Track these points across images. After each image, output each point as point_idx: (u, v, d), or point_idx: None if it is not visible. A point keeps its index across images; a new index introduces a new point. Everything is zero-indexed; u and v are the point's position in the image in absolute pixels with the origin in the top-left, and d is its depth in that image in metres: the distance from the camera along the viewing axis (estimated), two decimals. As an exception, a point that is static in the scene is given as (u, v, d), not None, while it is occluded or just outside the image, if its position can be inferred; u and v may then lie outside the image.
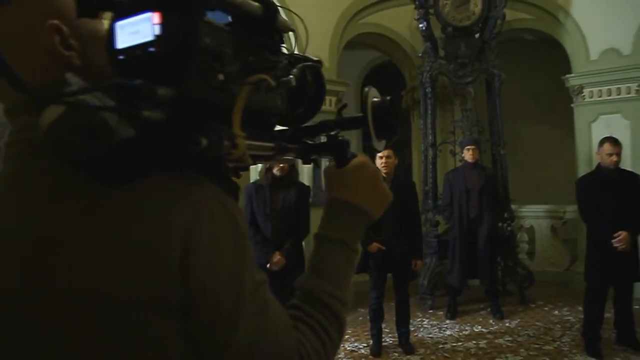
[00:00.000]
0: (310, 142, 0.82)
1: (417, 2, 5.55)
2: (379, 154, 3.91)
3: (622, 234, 3.79)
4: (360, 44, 6.59)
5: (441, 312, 5.28)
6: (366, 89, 0.83)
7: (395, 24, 6.36)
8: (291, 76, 0.71)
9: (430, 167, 5.65)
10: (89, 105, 0.54)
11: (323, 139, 0.83)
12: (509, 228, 5.61)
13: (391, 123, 0.81)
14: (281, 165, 3.53)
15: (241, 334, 0.61)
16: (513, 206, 5.90)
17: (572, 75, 5.98)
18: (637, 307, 5.04)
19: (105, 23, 0.65)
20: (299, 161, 0.86)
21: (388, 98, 0.82)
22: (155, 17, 0.56)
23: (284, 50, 0.74)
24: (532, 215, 6.69)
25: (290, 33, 0.76)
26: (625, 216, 3.86)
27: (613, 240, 3.81)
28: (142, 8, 0.56)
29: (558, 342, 4.42)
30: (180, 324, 0.60)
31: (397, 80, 7.27)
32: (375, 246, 4.03)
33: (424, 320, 5.12)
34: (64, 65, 0.65)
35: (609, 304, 4.10)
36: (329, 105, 5.55)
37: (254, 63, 0.66)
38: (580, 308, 4.37)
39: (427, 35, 5.60)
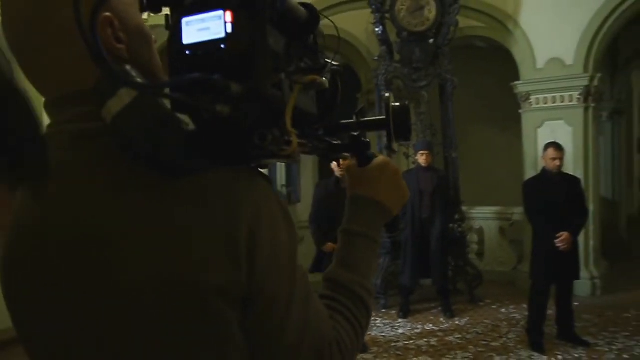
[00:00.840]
0: (334, 141, 0.86)
1: (373, 7, 5.64)
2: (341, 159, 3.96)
3: (564, 235, 3.99)
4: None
5: (394, 311, 5.39)
6: (387, 95, 0.90)
7: (352, 26, 6.43)
8: (324, 79, 0.73)
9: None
10: (174, 97, 0.56)
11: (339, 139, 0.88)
12: (459, 229, 5.78)
13: (409, 126, 0.86)
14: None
15: (294, 320, 0.65)
16: (464, 208, 6.08)
17: (521, 82, 6.21)
18: (576, 304, 5.31)
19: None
20: None
21: (407, 102, 0.87)
22: (227, 15, 0.57)
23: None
24: (482, 216, 6.92)
25: None
26: (568, 218, 4.06)
27: (556, 241, 3.99)
28: (213, 6, 0.58)
29: (504, 339, 4.60)
30: (239, 314, 0.62)
31: (353, 82, 7.36)
32: (330, 246, 4.09)
33: (377, 320, 5.20)
34: (114, 58, 0.63)
35: (552, 301, 4.31)
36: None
37: (302, 64, 0.69)
38: (526, 306, 4.56)
39: (383, 39, 5.70)
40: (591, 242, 5.94)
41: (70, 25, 0.54)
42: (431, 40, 5.69)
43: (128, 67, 0.60)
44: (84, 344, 0.64)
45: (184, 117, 0.58)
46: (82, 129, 0.64)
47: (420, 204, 5.21)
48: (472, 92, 8.05)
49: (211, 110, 0.55)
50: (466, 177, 7.35)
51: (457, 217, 5.74)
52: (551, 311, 4.40)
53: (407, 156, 5.77)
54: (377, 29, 5.67)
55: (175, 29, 0.60)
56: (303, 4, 0.68)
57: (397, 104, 0.86)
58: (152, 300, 0.60)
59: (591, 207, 5.88)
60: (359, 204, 0.83)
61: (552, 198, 4.10)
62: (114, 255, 0.60)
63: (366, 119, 0.88)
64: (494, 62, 7.37)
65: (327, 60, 0.78)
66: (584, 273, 5.75)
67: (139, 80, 0.59)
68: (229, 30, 0.57)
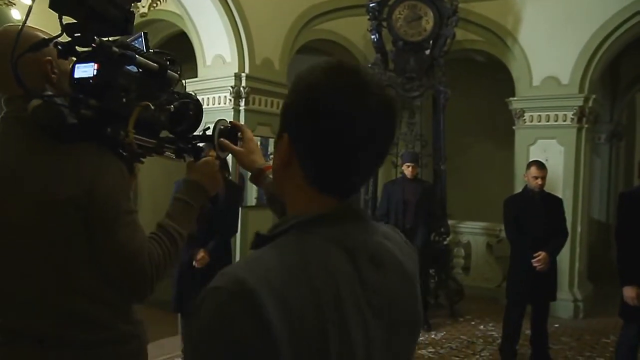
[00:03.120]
0: (182, 145, 1.36)
1: (370, 14, 5.62)
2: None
3: (542, 255, 3.93)
4: (315, 50, 6.61)
5: (371, 321, 5.33)
6: (218, 119, 1.35)
7: (349, 32, 6.41)
8: (172, 106, 1.28)
9: (372, 176, 5.71)
10: (56, 102, 1.12)
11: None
12: (444, 242, 5.73)
13: (231, 141, 1.34)
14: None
15: (119, 233, 1.17)
16: (452, 221, 6.03)
17: (516, 98, 6.17)
18: (557, 325, 5.25)
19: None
20: (234, 162, 1.56)
21: (230, 126, 1.35)
22: (95, 66, 1.13)
23: (175, 89, 1.35)
24: (470, 231, 6.86)
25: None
26: (546, 237, 4.01)
27: (532, 260, 3.94)
28: (90, 60, 1.14)
29: (477, 356, 4.54)
30: (84, 216, 1.14)
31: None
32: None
33: (353, 328, 5.15)
34: (50, 80, 1.24)
35: (528, 320, 4.25)
36: (276, 107, 5.55)
37: (147, 94, 1.23)
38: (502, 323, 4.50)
39: (379, 47, 5.68)
40: (577, 264, 5.87)
41: (32, 59, 1.16)
42: (427, 51, 5.67)
43: (47, 85, 1.22)
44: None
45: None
46: (18, 115, 1.19)
47: (404, 215, 5.17)
48: (470, 105, 8.02)
49: (79, 113, 1.12)
50: (459, 191, 7.31)
51: (442, 230, 5.69)
52: (529, 331, 4.35)
53: (395, 165, 5.74)
54: (372, 36, 5.65)
55: (71, 69, 1.16)
56: (159, 60, 1.26)
57: (223, 127, 1.33)
58: (34, 208, 1.14)
59: (579, 229, 5.83)
60: (187, 183, 1.35)
61: (532, 217, 4.05)
62: (14, 180, 1.16)
63: (203, 134, 1.36)
64: (492, 77, 7.34)
65: (188, 96, 1.35)
66: (567, 295, 5.71)
67: (45, 93, 1.15)
68: (95, 73, 1.13)
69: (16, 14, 5.33)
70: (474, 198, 7.84)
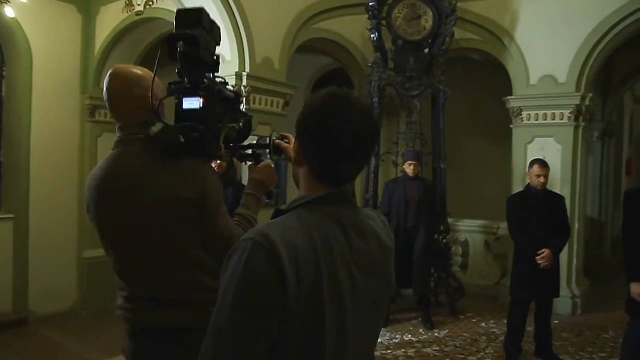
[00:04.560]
0: (243, 152, 1.76)
1: (370, 13, 5.61)
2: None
3: (546, 252, 3.98)
4: (312, 49, 6.59)
5: (374, 320, 5.33)
6: (272, 132, 1.72)
7: (348, 31, 6.40)
8: (241, 124, 1.67)
9: (372, 175, 5.70)
10: (173, 127, 1.49)
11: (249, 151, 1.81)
12: (444, 241, 5.75)
13: (281, 150, 1.64)
14: (217, 162, 3.48)
15: (219, 222, 1.53)
16: (450, 220, 6.05)
17: (513, 97, 6.21)
18: (556, 322, 5.30)
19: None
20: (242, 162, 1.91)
21: (280, 136, 1.67)
22: (201, 99, 1.49)
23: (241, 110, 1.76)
24: (468, 229, 6.90)
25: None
26: (550, 235, 4.05)
27: (537, 258, 3.98)
28: (196, 95, 1.49)
29: (482, 354, 4.57)
30: (196, 210, 1.49)
31: (347, 87, 7.32)
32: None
33: (356, 327, 5.14)
34: (152, 110, 1.49)
35: (532, 318, 4.28)
36: (276, 107, 5.52)
37: (230, 117, 1.62)
38: (506, 321, 4.54)
39: (378, 46, 5.67)
40: (574, 261, 5.93)
41: (137, 96, 1.54)
42: (426, 50, 5.67)
43: (154, 116, 1.48)
44: (125, 231, 1.52)
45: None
46: (138, 137, 1.53)
47: (405, 214, 5.19)
48: (468, 104, 8.06)
49: (190, 135, 1.47)
50: (456, 189, 7.33)
51: (442, 228, 5.71)
52: (531, 328, 4.39)
53: (396, 164, 5.74)
54: (372, 36, 5.64)
55: (179, 101, 1.51)
56: (231, 90, 1.67)
57: (275, 138, 1.64)
58: (163, 206, 1.47)
59: (576, 225, 5.89)
60: (252, 181, 1.74)
61: (535, 215, 4.09)
62: (145, 186, 1.49)
63: (260, 143, 1.76)
64: (490, 76, 7.38)
65: (246, 114, 1.74)
66: (565, 291, 5.76)
67: (164, 122, 1.47)
68: (201, 105, 1.49)
69: (10, 12, 5.25)
70: (471, 196, 7.87)
